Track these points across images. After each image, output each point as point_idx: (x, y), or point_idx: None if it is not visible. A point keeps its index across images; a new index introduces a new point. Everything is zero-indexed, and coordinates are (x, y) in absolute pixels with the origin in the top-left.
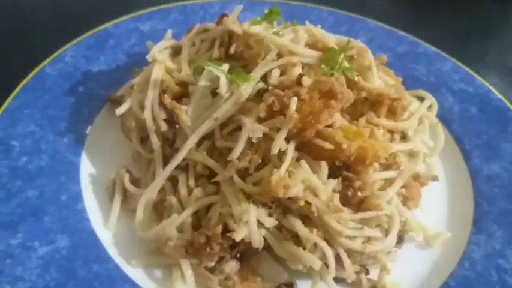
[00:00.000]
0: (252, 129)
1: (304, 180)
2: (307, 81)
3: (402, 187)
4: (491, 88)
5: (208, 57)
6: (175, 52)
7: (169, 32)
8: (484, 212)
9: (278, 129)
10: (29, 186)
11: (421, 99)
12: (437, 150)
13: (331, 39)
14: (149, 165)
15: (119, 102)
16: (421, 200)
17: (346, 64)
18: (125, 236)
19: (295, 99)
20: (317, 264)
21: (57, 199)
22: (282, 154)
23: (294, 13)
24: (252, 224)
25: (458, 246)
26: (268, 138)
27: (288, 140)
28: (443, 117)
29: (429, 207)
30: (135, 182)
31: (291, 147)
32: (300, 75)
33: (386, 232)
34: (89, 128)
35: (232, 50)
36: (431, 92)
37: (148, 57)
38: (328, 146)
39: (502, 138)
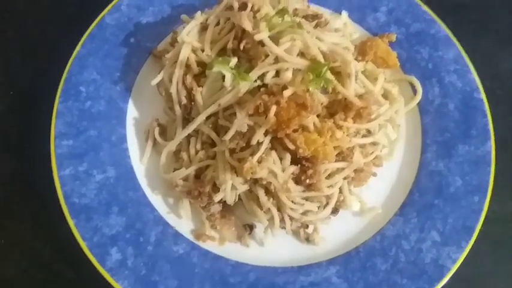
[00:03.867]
0: (241, 123)
1: (269, 168)
2: (287, 92)
3: (354, 171)
4: (480, 87)
5: (226, 40)
6: (203, 28)
7: (199, 13)
8: (412, 201)
9: (260, 126)
10: (91, 127)
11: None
12: (395, 145)
13: (323, 47)
14: (174, 121)
15: (159, 57)
16: (368, 180)
17: (328, 74)
18: (153, 170)
19: (274, 107)
20: (265, 223)
21: (109, 139)
22: (259, 143)
23: None
24: (228, 190)
25: (380, 223)
26: (252, 129)
27: (266, 133)
28: (423, 107)
29: (375, 185)
30: (163, 131)
31: (267, 140)
32: (284, 87)
33: (325, 206)
34: (136, 77)
35: (242, 47)
36: (423, 80)
37: (179, 39)
38: (291, 146)
39: (461, 140)
